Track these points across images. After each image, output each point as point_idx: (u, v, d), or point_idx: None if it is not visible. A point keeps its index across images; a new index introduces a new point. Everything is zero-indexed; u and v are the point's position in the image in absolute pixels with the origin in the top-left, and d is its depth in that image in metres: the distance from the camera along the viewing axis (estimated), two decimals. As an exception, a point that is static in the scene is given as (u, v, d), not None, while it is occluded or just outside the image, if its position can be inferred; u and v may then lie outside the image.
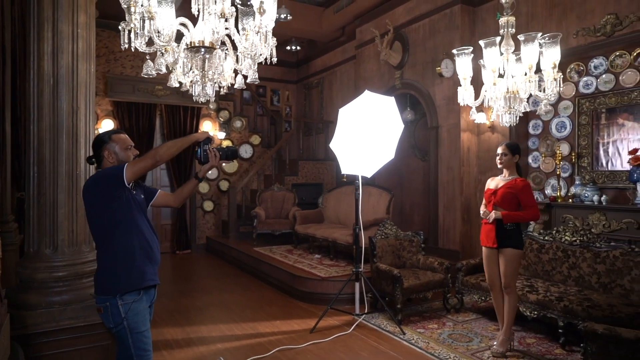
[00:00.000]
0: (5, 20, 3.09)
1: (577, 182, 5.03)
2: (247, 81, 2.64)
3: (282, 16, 8.04)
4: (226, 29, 2.29)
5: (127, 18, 2.16)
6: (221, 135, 9.00)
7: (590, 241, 4.22)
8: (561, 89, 5.34)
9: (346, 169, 4.49)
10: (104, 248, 2.25)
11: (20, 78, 3.36)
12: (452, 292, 4.87)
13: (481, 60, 3.82)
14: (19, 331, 2.54)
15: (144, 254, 2.25)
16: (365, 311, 4.65)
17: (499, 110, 3.78)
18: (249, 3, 2.17)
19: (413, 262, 5.17)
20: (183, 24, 2.28)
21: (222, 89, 3.04)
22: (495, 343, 3.74)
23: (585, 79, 5.12)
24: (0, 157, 3.23)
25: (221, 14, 2.10)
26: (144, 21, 2.13)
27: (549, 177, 5.51)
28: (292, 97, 10.87)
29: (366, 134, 4.38)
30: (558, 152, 5.23)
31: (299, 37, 9.92)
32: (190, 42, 2.28)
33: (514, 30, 3.70)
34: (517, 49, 3.74)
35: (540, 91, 3.69)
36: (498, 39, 3.52)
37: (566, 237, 4.41)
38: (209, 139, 2.40)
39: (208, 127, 8.93)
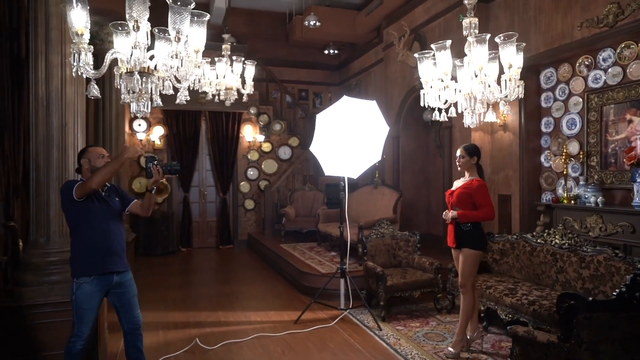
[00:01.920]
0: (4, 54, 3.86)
1: (581, 183, 4.77)
2: (183, 100, 3.02)
3: (312, 23, 8.45)
4: (151, 57, 2.69)
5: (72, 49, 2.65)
6: (260, 138, 9.59)
7: (578, 245, 4.03)
8: (571, 84, 5.12)
9: (329, 170, 4.72)
10: (71, 240, 2.93)
11: (20, 101, 4.07)
12: (443, 293, 4.88)
13: (457, 61, 3.87)
14: (17, 303, 3.19)
15: (101, 249, 2.83)
16: (350, 306, 4.85)
17: (465, 111, 3.79)
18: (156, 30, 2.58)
19: (408, 261, 5.25)
20: (118, 52, 2.73)
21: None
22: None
23: (594, 72, 4.83)
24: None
25: (134, 45, 2.51)
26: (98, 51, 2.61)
27: (561, 176, 5.25)
28: (335, 99, 11.14)
29: (348, 137, 4.58)
30: (565, 150, 4.98)
31: (336, 41, 10.21)
32: (126, 68, 2.72)
33: (477, 30, 3.69)
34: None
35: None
36: (449, 42, 3.55)
37: (556, 240, 4.25)
38: (153, 157, 2.94)
39: (249, 130, 9.55)
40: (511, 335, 2.82)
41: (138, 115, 2.95)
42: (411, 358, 3.70)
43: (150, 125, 8.90)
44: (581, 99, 4.99)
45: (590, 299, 2.39)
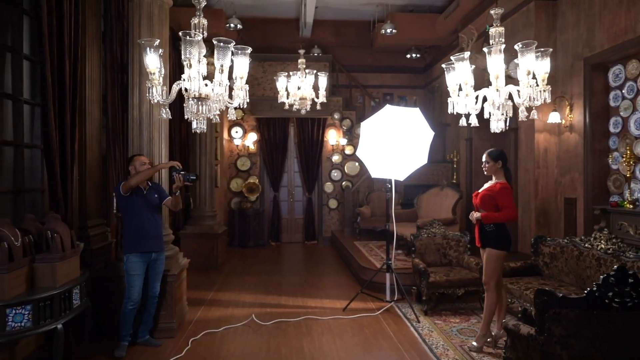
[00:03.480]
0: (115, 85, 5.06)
1: (642, 186, 4.50)
2: (232, 117, 3.71)
3: (388, 31, 8.84)
4: (206, 85, 3.44)
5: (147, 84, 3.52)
6: (343, 141, 10.20)
7: (621, 250, 3.91)
8: (639, 81, 4.85)
9: (376, 173, 5.13)
10: (123, 225, 3.98)
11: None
12: (489, 293, 4.97)
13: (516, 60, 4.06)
14: (115, 273, 4.23)
15: (141, 234, 3.81)
16: (395, 299, 5.20)
17: (491, 117, 3.96)
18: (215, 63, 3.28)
19: (459, 260, 5.41)
20: (181, 83, 3.54)
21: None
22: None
23: (661, 69, 4.52)
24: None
25: (188, 78, 3.27)
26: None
27: (629, 179, 4.95)
28: (419, 101, 11.30)
29: (394, 142, 4.94)
30: (629, 151, 4.72)
31: (418, 44, 10.39)
32: (186, 94, 3.52)
33: (503, 39, 3.84)
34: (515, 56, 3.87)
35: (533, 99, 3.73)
36: (467, 54, 3.76)
37: (601, 245, 4.14)
38: (175, 168, 3.83)
39: (333, 134, 10.22)
40: (504, 328, 3.02)
41: (197, 131, 3.73)
42: (435, 348, 3.98)
43: (245, 132, 10.07)
44: (649, 97, 4.69)
45: (561, 295, 2.53)
